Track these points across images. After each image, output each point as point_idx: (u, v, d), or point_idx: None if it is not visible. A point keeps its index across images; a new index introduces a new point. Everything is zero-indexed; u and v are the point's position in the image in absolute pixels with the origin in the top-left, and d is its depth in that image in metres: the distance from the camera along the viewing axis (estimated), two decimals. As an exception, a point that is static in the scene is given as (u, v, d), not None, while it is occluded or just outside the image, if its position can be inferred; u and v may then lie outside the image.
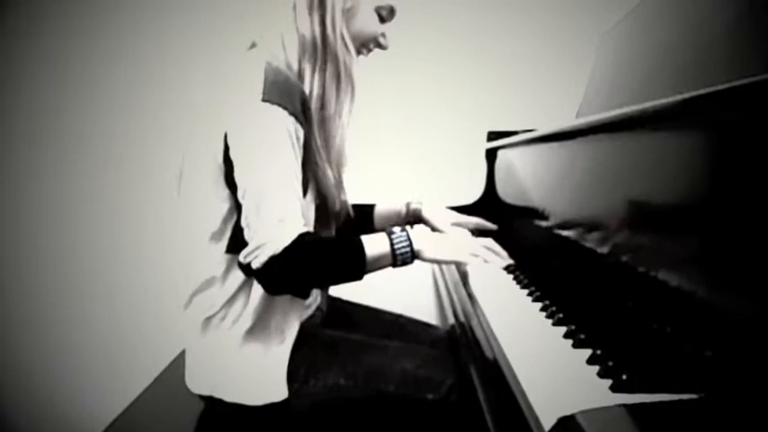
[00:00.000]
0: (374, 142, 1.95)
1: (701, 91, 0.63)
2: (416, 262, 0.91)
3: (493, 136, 1.76)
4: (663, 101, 0.72)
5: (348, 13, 0.93)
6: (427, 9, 1.95)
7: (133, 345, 2.01)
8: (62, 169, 2.04)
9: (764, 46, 0.75)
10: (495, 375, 0.70)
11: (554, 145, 1.21)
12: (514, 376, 0.64)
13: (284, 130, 0.83)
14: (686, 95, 0.66)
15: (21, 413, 1.97)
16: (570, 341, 0.70)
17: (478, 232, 1.26)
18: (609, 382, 0.57)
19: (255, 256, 0.82)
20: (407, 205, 1.23)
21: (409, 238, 0.89)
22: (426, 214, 1.22)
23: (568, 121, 1.22)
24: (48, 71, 2.00)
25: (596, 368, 0.61)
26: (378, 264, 0.88)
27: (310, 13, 0.91)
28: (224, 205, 0.88)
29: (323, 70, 0.92)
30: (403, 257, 0.88)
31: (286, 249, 0.81)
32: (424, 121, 2.06)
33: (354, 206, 1.22)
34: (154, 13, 2.00)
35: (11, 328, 2.03)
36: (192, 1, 2.00)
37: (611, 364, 0.60)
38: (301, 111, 0.86)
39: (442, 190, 1.92)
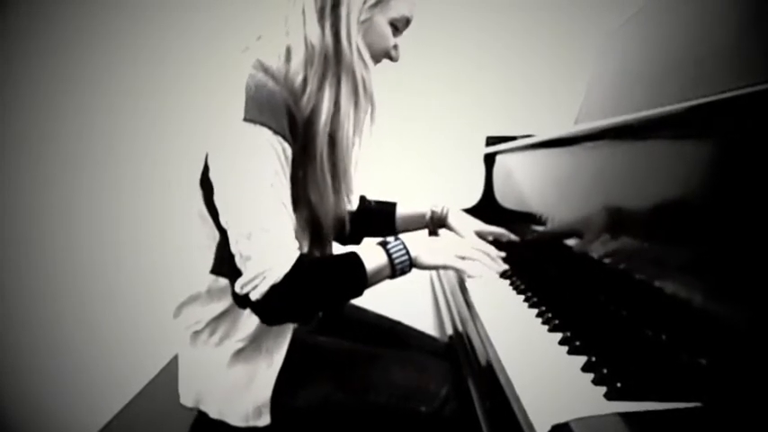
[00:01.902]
0: (374, 143, 1.94)
1: (702, 100, 0.63)
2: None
3: (491, 141, 1.75)
4: (659, 110, 0.72)
5: (363, 25, 0.86)
6: (427, 10, 1.95)
7: (133, 345, 2.01)
8: (62, 169, 2.04)
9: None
10: (491, 381, 0.70)
11: (552, 151, 1.21)
12: (509, 382, 0.64)
13: (271, 151, 0.77)
14: (686, 105, 0.66)
15: (19, 413, 1.97)
16: (565, 348, 0.70)
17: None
18: (604, 389, 0.57)
19: (254, 287, 0.76)
20: (432, 210, 1.22)
21: (405, 246, 0.86)
22: (452, 220, 1.20)
23: (566, 128, 1.22)
24: (48, 71, 2.00)
25: (591, 375, 0.61)
26: (377, 277, 0.84)
27: (321, 22, 0.83)
28: (206, 224, 0.84)
29: (335, 86, 0.85)
30: (402, 266, 0.85)
31: (286, 276, 0.76)
32: (425, 122, 2.06)
33: (374, 203, 1.23)
34: (154, 12, 2.00)
35: (10, 327, 2.03)
36: (193, 1, 2.00)
37: (605, 371, 0.60)
38: (288, 128, 0.79)
39: (441, 190, 1.92)
